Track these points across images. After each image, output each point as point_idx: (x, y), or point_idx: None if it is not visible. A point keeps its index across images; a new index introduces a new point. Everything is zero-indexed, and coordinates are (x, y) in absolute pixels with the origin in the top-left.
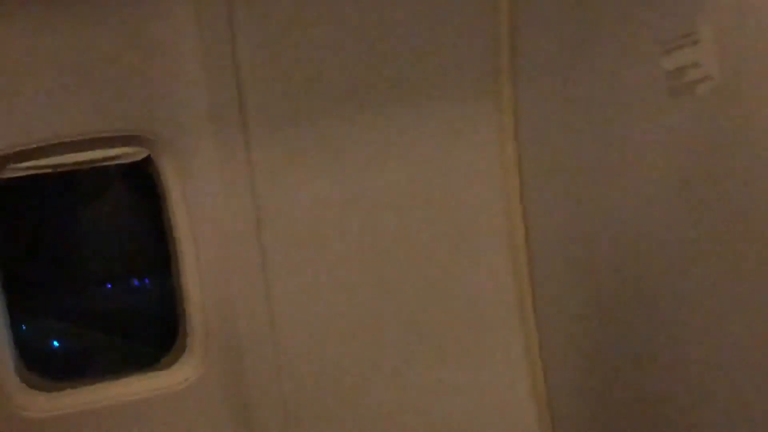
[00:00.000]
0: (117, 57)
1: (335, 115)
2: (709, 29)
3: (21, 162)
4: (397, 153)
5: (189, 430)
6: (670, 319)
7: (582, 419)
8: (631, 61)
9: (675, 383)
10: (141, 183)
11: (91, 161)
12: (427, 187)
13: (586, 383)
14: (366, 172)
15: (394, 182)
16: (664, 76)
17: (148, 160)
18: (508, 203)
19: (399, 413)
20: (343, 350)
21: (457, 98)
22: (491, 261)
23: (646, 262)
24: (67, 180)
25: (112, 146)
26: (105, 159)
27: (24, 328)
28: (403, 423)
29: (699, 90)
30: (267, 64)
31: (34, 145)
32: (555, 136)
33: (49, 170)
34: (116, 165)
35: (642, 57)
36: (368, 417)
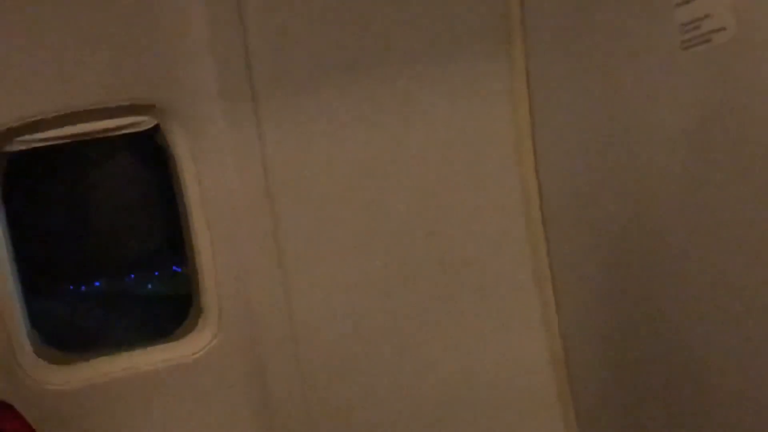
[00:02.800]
0: (124, 26)
1: (345, 83)
2: None
3: (30, 134)
4: (409, 118)
5: (205, 398)
6: (686, 275)
7: (601, 381)
8: (642, 15)
9: (692, 339)
10: (151, 154)
11: (101, 131)
12: (439, 151)
13: (605, 346)
14: (377, 139)
15: (405, 148)
16: (677, 30)
17: (157, 130)
18: (522, 164)
19: (416, 381)
20: (358, 316)
21: (468, 61)
22: (506, 224)
23: (662, 219)
24: (77, 153)
25: (122, 116)
26: (114, 129)
27: (38, 302)
28: (422, 391)
29: (713, 41)
30: (275, 30)
31: (43, 116)
32: (567, 95)
33: (59, 141)
34: (125, 135)
35: (654, 11)
36: (385, 380)
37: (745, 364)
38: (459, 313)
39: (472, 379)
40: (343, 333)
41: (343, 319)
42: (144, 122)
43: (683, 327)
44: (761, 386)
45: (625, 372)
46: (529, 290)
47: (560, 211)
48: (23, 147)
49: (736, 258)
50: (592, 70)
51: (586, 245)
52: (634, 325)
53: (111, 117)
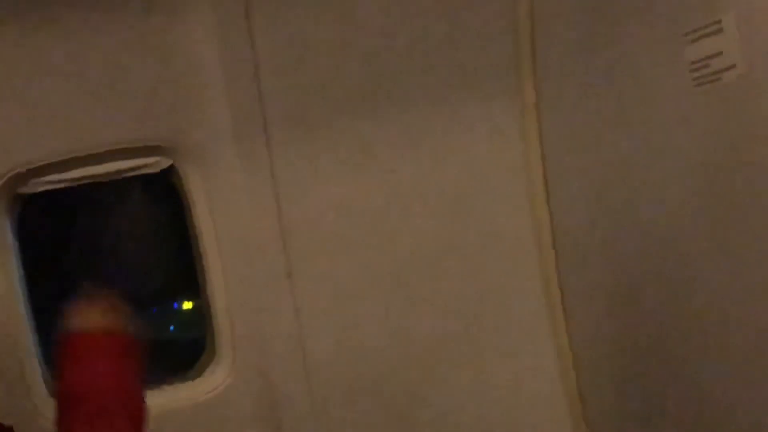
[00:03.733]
0: (136, 67)
1: (357, 119)
2: (732, 17)
3: (44, 176)
4: (421, 157)
5: None
6: (696, 308)
7: (613, 408)
8: (653, 52)
9: (702, 376)
10: (165, 194)
11: (115, 172)
12: (451, 188)
13: (616, 376)
14: (389, 176)
15: (417, 185)
16: (688, 67)
17: (171, 170)
18: (534, 199)
19: (429, 413)
20: (372, 353)
21: (480, 98)
22: (519, 257)
23: (672, 253)
24: (92, 193)
25: (135, 157)
26: (128, 170)
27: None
28: (434, 422)
29: (724, 79)
30: (287, 68)
31: (58, 159)
32: (578, 131)
33: (72, 184)
34: (139, 176)
35: (665, 48)
36: (398, 417)
37: (755, 397)
38: (473, 350)
39: (486, 413)
40: (358, 373)
41: (358, 359)
42: (158, 163)
43: (694, 362)
44: None
45: (638, 404)
46: (542, 324)
47: (572, 246)
48: (39, 189)
49: (748, 294)
50: (603, 107)
51: (598, 280)
52: (646, 359)
53: (125, 158)
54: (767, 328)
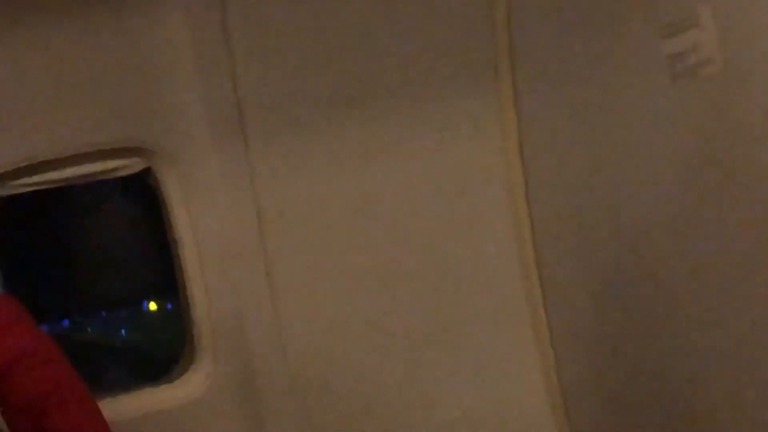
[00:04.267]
0: (112, 70)
1: (334, 118)
2: (708, 11)
3: (19, 179)
4: (399, 152)
5: None
6: (677, 301)
7: (595, 405)
8: (630, 46)
9: (683, 365)
10: (142, 197)
11: (91, 174)
12: (431, 185)
13: (598, 370)
14: (367, 173)
15: (396, 183)
16: (665, 61)
17: (148, 172)
18: (513, 196)
19: (410, 408)
20: (353, 351)
21: (457, 95)
22: (498, 254)
23: (652, 247)
24: (67, 195)
25: (111, 159)
26: (104, 172)
27: None
28: (415, 416)
29: (701, 73)
30: (263, 68)
31: (33, 162)
32: (557, 127)
33: (49, 186)
34: (116, 179)
35: (641, 42)
36: (380, 413)
37: (737, 391)
38: (452, 348)
39: (468, 416)
40: (339, 370)
41: (339, 356)
42: (135, 165)
43: (674, 355)
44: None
45: (621, 402)
46: (523, 321)
47: (552, 240)
48: (12, 192)
49: (727, 288)
50: (582, 102)
51: (578, 272)
52: (627, 354)
53: (101, 160)
54: (745, 317)
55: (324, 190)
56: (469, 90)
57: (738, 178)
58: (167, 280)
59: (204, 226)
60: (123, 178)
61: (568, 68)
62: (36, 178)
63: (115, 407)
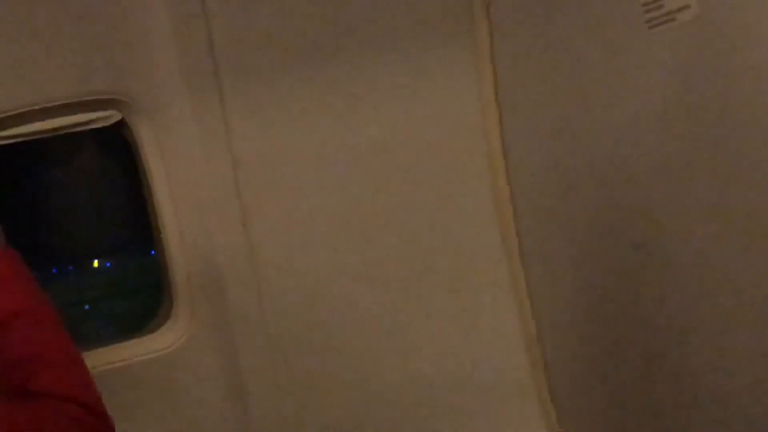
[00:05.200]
0: (85, 20)
1: (310, 68)
2: None
3: None
4: (374, 104)
5: (180, 391)
6: (654, 250)
7: (575, 360)
8: None
9: (663, 317)
10: (117, 148)
11: (63, 127)
12: (406, 136)
13: (581, 335)
14: (343, 126)
15: (372, 134)
16: (642, 8)
17: (122, 123)
18: (489, 145)
19: (388, 356)
20: (330, 299)
21: (432, 43)
22: (475, 203)
23: (629, 196)
24: (40, 149)
25: (84, 111)
26: (77, 124)
27: None
28: (394, 361)
29: (677, 20)
30: (237, 19)
31: (4, 114)
32: (533, 76)
33: (22, 139)
34: (89, 131)
35: None
36: (358, 356)
37: (723, 348)
38: (430, 302)
39: (445, 370)
40: (317, 321)
41: (316, 308)
42: (109, 117)
43: (656, 308)
44: (739, 379)
45: (600, 354)
46: (502, 276)
47: (528, 189)
48: None
49: (711, 239)
50: (558, 49)
51: (555, 221)
52: (609, 313)
53: (75, 112)
54: (739, 265)
55: (299, 139)
56: (444, 37)
57: (715, 128)
58: (144, 232)
59: (179, 177)
60: (97, 130)
61: (544, 15)
62: (10, 132)
63: (93, 359)
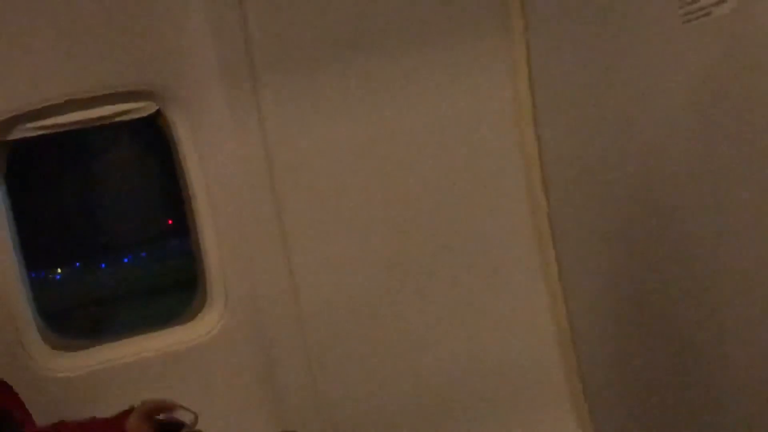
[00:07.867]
0: (124, 12)
1: (344, 61)
2: None
3: (31, 122)
4: (409, 97)
5: (213, 380)
6: (688, 241)
7: (603, 342)
8: None
9: (699, 314)
10: (154, 139)
11: (101, 118)
12: (441, 129)
13: (612, 323)
14: (378, 119)
15: (407, 127)
16: (677, 3)
17: (158, 114)
18: (523, 137)
19: (420, 361)
20: (362, 295)
21: (468, 37)
22: (509, 195)
23: (664, 187)
24: (79, 140)
25: (122, 102)
26: (114, 115)
27: (46, 290)
28: (427, 372)
29: (713, 14)
30: (275, 14)
31: (44, 104)
32: (568, 69)
33: (60, 129)
34: (127, 122)
35: None
36: (389, 354)
37: (760, 344)
38: (464, 292)
39: (478, 361)
40: (348, 312)
41: (347, 299)
42: (145, 108)
43: (691, 303)
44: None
45: (634, 349)
46: (534, 267)
47: (562, 181)
48: (26, 135)
49: (739, 219)
50: (593, 44)
51: (589, 213)
52: (641, 302)
53: (112, 103)
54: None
55: (334, 132)
56: (479, 29)
57: (751, 119)
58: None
59: (214, 168)
60: (136, 122)
61: (580, 8)
62: (49, 121)
63: (129, 349)
